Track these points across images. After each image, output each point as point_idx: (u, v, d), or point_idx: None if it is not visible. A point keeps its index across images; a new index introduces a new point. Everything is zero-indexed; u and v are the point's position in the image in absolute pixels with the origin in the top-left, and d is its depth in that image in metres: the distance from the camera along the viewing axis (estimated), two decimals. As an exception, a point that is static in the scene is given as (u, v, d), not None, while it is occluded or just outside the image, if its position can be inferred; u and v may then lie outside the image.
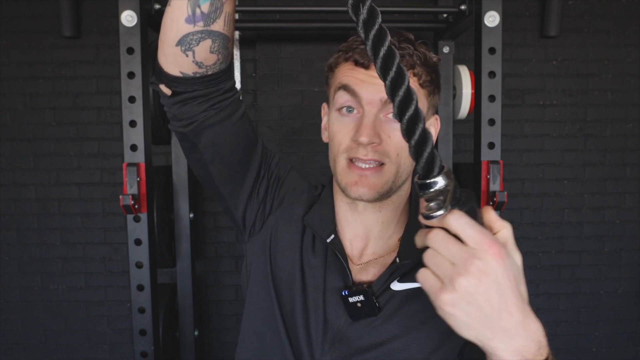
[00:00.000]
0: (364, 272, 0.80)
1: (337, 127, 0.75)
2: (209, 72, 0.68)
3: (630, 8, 2.32)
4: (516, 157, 2.37)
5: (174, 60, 0.66)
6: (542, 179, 2.39)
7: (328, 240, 0.80)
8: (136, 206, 1.47)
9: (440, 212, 0.44)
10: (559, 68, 2.35)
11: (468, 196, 0.46)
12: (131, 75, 1.48)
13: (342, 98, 0.74)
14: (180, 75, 0.67)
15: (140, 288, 1.55)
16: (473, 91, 1.84)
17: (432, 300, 0.46)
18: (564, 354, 2.45)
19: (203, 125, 0.73)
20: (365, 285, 0.76)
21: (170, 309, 2.10)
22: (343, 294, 0.75)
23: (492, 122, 1.56)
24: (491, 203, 1.52)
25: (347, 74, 0.74)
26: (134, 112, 1.49)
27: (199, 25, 0.62)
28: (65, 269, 2.33)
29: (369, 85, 0.72)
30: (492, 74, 1.54)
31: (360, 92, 0.72)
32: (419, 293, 0.75)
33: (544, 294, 2.41)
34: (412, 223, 0.81)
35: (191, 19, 0.61)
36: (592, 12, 2.32)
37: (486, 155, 1.56)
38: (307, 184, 0.89)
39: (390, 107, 0.73)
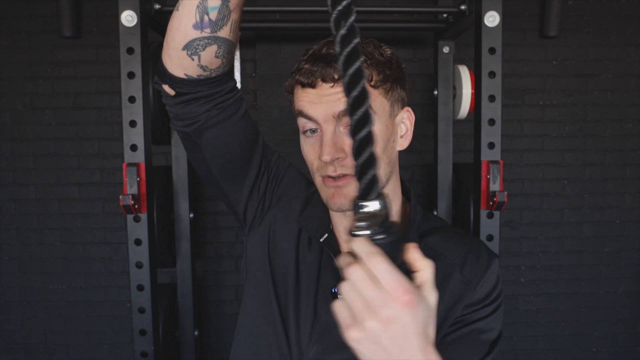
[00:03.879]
0: None
1: (306, 149, 0.79)
2: (213, 75, 0.70)
3: (630, 8, 2.32)
4: (516, 157, 2.37)
5: (179, 63, 0.67)
6: (542, 179, 2.39)
7: (321, 240, 0.83)
8: (136, 206, 1.47)
9: (366, 233, 0.47)
10: (559, 68, 2.35)
11: (397, 229, 0.48)
12: (131, 75, 1.48)
13: (302, 122, 0.77)
14: (185, 77, 0.69)
15: (140, 288, 1.55)
16: (473, 91, 1.84)
17: (342, 332, 0.49)
18: (564, 354, 2.45)
19: (206, 125, 0.75)
20: None
21: (170, 309, 2.09)
22: (333, 291, 0.78)
23: (492, 122, 1.56)
24: (491, 203, 1.52)
25: (300, 98, 0.76)
26: (134, 112, 1.49)
27: (206, 32, 0.63)
28: (65, 269, 2.33)
29: (319, 105, 0.74)
30: (492, 74, 1.54)
31: (314, 115, 0.74)
32: None
33: (544, 294, 2.40)
34: (406, 228, 0.82)
35: (199, 26, 0.63)
36: (592, 12, 2.32)
37: (486, 155, 1.56)
38: (305, 180, 0.91)
39: (347, 118, 0.74)
